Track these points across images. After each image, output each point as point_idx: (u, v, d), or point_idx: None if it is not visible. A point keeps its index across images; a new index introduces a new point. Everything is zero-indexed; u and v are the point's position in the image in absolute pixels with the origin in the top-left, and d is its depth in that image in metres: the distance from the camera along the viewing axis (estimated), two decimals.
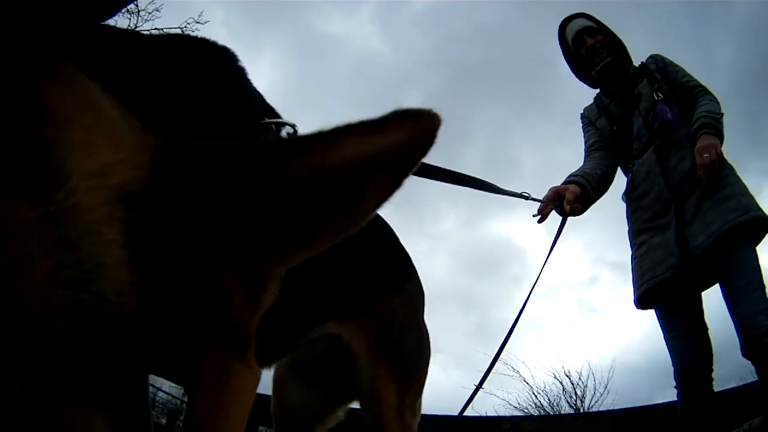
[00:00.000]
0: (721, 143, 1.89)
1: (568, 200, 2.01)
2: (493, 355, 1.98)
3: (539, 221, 2.07)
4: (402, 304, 1.04)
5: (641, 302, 2.03)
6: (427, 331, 1.12)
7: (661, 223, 1.97)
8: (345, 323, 0.96)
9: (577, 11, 2.28)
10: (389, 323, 0.99)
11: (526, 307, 1.99)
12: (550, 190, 2.08)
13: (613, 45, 2.18)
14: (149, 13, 11.95)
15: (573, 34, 2.23)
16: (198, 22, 12.35)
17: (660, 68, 2.12)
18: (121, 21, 12.13)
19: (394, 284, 1.05)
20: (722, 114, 1.96)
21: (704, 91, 2.01)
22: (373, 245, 1.00)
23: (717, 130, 1.89)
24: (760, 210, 1.81)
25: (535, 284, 2.04)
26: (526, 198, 2.02)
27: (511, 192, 1.98)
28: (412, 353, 1.03)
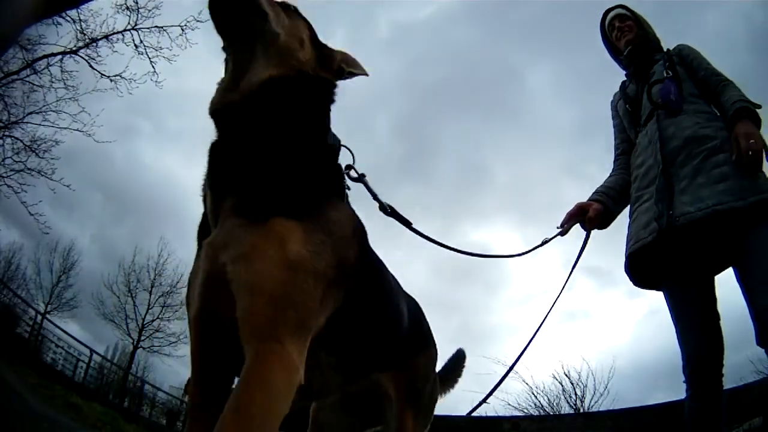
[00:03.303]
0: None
1: (590, 218, 2.11)
2: (508, 366, 2.00)
3: (561, 234, 2.12)
4: (424, 362, 1.41)
5: (631, 272, 2.02)
6: (437, 378, 1.51)
7: (651, 190, 1.95)
8: (384, 374, 1.32)
9: (618, 3, 2.39)
10: (415, 376, 1.36)
11: (546, 320, 2.00)
12: (575, 205, 2.16)
13: (640, 29, 2.28)
14: (149, 11, 11.97)
15: (608, 21, 2.37)
16: (198, 20, 12.44)
17: (682, 54, 2.14)
18: (121, 19, 12.21)
19: (420, 349, 1.40)
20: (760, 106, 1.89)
21: (731, 83, 1.98)
22: (409, 323, 1.33)
23: (755, 117, 1.83)
24: (764, 192, 1.70)
25: (557, 298, 2.05)
26: (547, 242, 2.06)
27: (535, 247, 2.02)
28: (428, 397, 1.42)
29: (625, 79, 2.35)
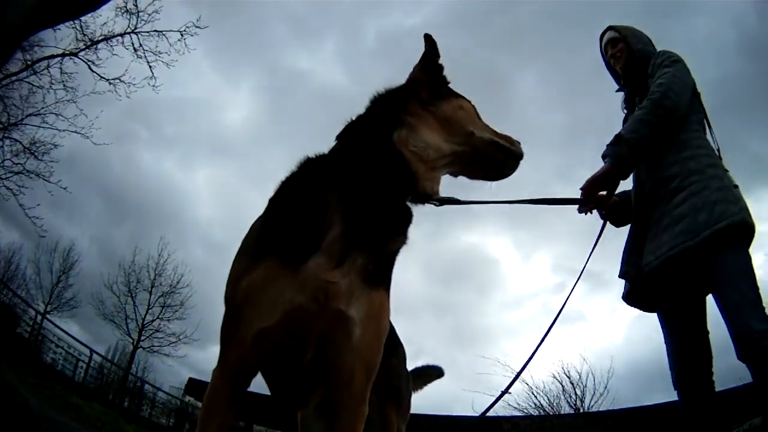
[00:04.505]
0: (624, 160, 1.87)
1: (606, 204, 2.08)
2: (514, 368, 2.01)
3: (579, 211, 2.08)
4: (397, 363, 1.56)
5: (630, 305, 2.07)
6: (409, 376, 1.67)
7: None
8: None
9: (609, 24, 2.31)
10: (390, 375, 1.48)
11: (554, 324, 2.00)
12: (599, 193, 2.15)
13: (630, 51, 2.19)
14: (149, 15, 11.97)
15: (602, 47, 2.32)
16: (197, 27, 12.44)
17: (654, 70, 2.06)
18: (120, 22, 12.20)
19: (390, 351, 1.48)
20: (637, 125, 1.89)
21: (646, 99, 1.95)
22: None
23: (611, 156, 1.89)
24: (723, 220, 1.72)
25: (568, 297, 2.05)
26: (564, 202, 2.02)
27: (555, 200, 1.96)
28: (404, 393, 1.57)
29: (624, 110, 2.29)
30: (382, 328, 1.03)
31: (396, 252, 1.09)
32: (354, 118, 1.19)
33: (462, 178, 1.34)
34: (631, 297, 2.04)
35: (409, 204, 1.12)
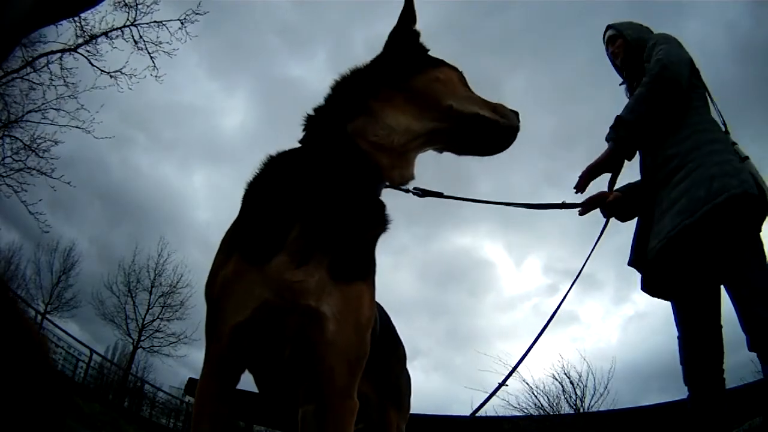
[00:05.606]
0: (624, 142, 1.91)
1: (609, 202, 2.09)
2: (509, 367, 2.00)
3: (580, 214, 2.11)
4: (396, 362, 1.58)
5: (646, 291, 2.04)
6: (408, 373, 1.68)
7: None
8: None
9: (608, 24, 2.36)
10: (389, 375, 1.51)
11: (549, 323, 2.00)
12: (598, 192, 2.16)
13: (629, 46, 2.22)
14: (147, 6, 11.94)
15: (604, 45, 2.36)
16: (197, 13, 12.40)
17: (650, 53, 2.06)
18: (119, 16, 12.17)
19: (390, 350, 1.55)
20: (635, 104, 1.92)
21: (645, 76, 1.96)
22: (380, 329, 1.43)
23: (611, 139, 1.93)
24: (722, 194, 1.65)
25: (565, 297, 2.04)
26: (566, 206, 2.05)
27: (550, 204, 2.01)
28: (404, 392, 1.59)
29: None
30: (363, 320, 0.99)
31: (372, 241, 1.06)
32: (313, 110, 1.12)
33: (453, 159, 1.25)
34: (646, 286, 2.00)
35: (385, 189, 1.10)
